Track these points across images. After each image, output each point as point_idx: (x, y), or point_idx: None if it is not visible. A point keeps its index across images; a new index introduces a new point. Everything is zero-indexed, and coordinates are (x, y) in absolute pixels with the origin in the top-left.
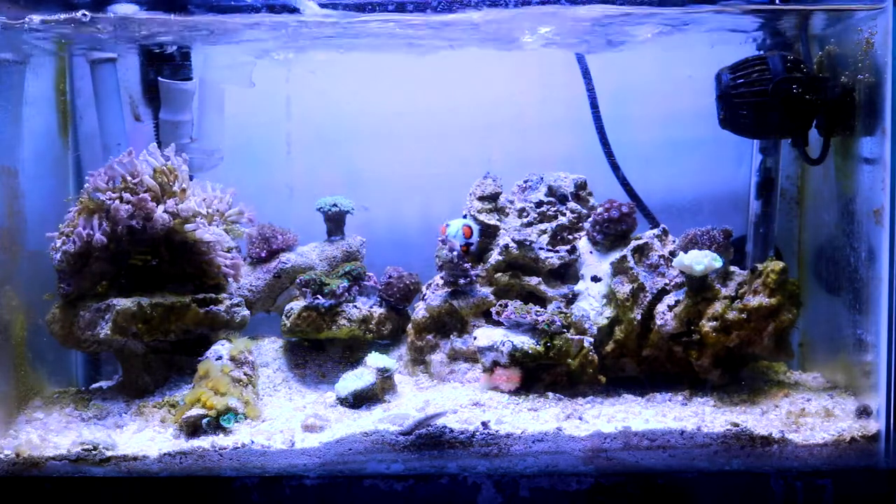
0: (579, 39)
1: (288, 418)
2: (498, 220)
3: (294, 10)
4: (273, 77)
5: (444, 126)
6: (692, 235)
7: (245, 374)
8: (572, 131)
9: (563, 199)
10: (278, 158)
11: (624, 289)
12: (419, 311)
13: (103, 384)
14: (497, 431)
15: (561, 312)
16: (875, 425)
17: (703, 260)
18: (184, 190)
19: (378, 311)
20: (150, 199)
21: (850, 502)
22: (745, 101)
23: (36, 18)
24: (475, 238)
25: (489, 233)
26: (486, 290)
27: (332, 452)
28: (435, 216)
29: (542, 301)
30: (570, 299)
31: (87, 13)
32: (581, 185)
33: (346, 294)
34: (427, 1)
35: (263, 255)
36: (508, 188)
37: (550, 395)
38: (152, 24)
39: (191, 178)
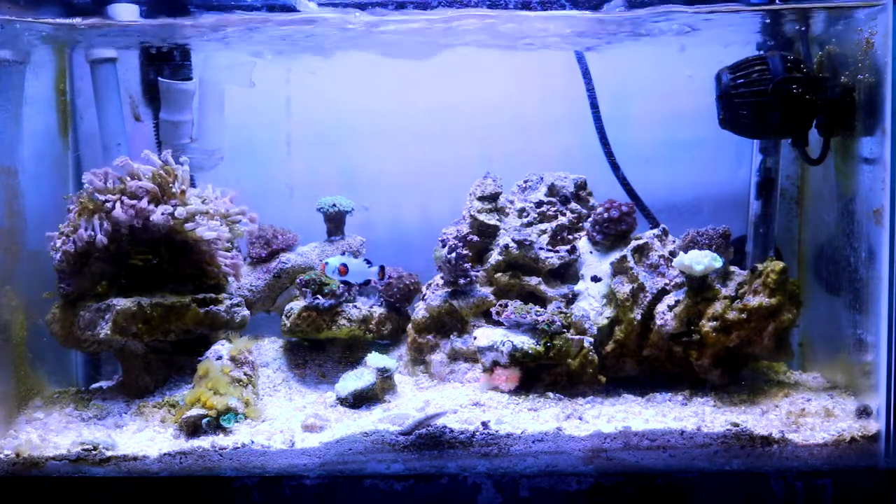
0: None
1: (288, 418)
2: (498, 220)
3: (292, 10)
4: (273, 77)
5: (444, 126)
6: (692, 235)
7: (245, 374)
8: (572, 131)
9: (563, 199)
10: (278, 158)
11: (624, 289)
12: (419, 311)
13: (103, 384)
14: (497, 431)
15: (561, 312)
16: (875, 425)
17: (703, 260)
18: (183, 191)
19: (378, 311)
20: (148, 200)
21: (850, 502)
22: (745, 101)
23: (35, 20)
24: (356, 279)
25: (489, 233)
26: (486, 290)
27: (332, 452)
28: (435, 216)
29: (542, 301)
30: (570, 299)
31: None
32: (581, 185)
33: (346, 294)
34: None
35: (263, 255)
36: (508, 188)
37: (550, 395)
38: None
39: (192, 179)
